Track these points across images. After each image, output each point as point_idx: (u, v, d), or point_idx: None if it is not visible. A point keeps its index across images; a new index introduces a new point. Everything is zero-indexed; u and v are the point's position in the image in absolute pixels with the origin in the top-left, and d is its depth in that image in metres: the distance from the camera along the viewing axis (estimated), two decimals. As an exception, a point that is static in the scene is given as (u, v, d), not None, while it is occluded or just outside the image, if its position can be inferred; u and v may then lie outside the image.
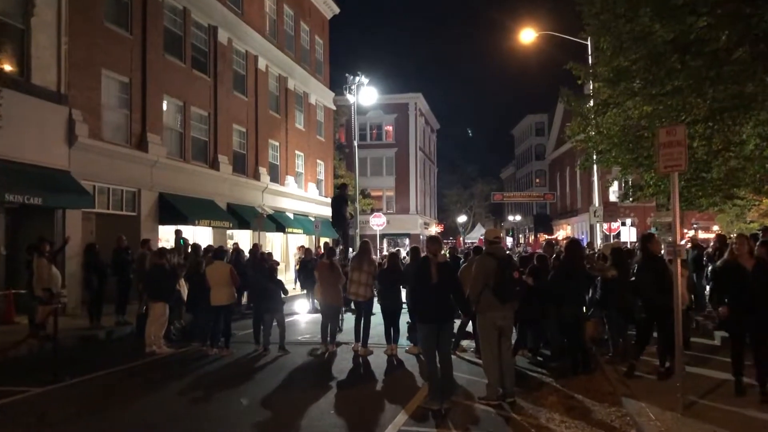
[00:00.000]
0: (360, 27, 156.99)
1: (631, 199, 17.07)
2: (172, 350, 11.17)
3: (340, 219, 14.42)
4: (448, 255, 17.09)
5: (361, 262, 10.85)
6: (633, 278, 9.25)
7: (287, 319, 16.36)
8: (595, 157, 14.59)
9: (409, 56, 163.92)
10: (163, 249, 11.95)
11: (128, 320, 13.81)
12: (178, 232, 18.70)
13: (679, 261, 6.91)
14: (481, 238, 61.22)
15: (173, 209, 20.19)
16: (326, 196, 35.78)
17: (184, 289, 12.50)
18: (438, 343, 7.25)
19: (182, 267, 12.95)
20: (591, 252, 13.07)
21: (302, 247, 23.93)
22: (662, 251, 9.77)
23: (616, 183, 40.58)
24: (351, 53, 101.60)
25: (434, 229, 65.05)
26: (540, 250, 16.03)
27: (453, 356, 10.57)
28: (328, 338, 11.12)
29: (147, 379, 9.22)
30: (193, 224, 20.67)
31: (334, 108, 38.15)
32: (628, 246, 18.71)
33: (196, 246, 17.90)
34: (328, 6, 36.82)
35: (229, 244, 24.93)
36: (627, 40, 11.03)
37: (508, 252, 20.14)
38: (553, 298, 9.62)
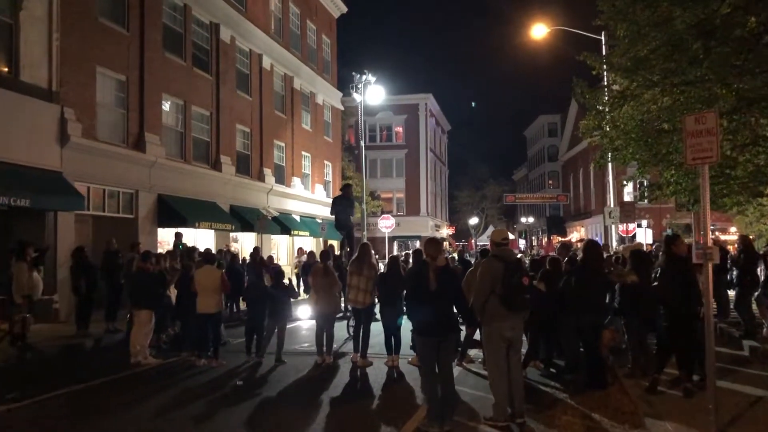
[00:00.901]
0: (369, 26, 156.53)
1: (647, 200, 16.22)
2: (158, 361, 10.46)
3: (345, 220, 13.68)
4: (456, 258, 16.32)
5: (360, 267, 10.08)
6: (655, 283, 8.45)
7: (289, 326, 15.70)
8: (610, 154, 13.74)
9: (419, 57, 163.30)
10: (148, 252, 11.25)
11: (118, 327, 13.16)
12: (177, 235, 18.10)
13: (710, 266, 6.10)
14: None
15: (172, 211, 19.56)
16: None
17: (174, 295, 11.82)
18: (438, 358, 6.48)
19: (174, 271, 12.27)
20: (608, 255, 12.22)
21: (301, 249, 23.18)
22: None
23: (631, 183, 39.73)
24: (360, 53, 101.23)
25: (446, 231, 64.23)
26: (553, 253, 15.23)
27: (459, 368, 9.85)
28: (324, 348, 10.36)
29: (126, 393, 8.51)
30: (194, 227, 20.02)
31: (342, 108, 37.47)
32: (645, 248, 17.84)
33: (190, 249, 17.30)
34: (335, 5, 36.16)
35: (233, 247, 24.37)
36: (645, 26, 10.23)
37: (518, 255, 19.13)
38: (570, 304, 8.84)
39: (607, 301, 9.81)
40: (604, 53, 16.32)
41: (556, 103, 72.30)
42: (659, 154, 12.12)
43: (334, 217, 14.36)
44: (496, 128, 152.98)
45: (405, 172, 54.07)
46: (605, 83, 12.86)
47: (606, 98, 12.39)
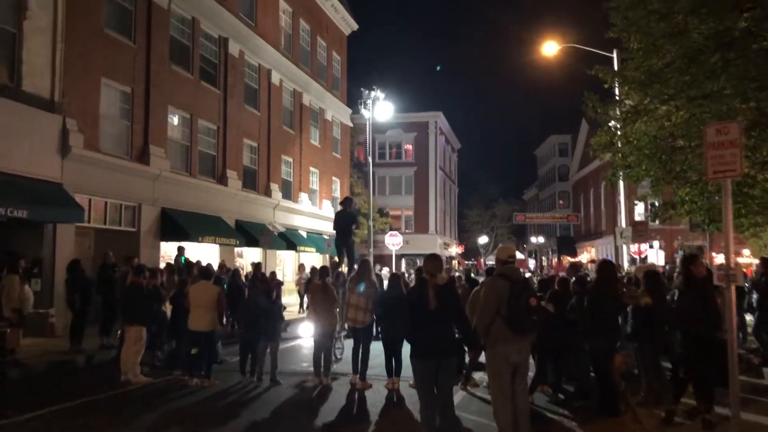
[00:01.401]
0: (380, 44, 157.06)
1: (657, 221, 15.75)
2: (149, 379, 10.04)
3: (345, 236, 13.28)
4: (463, 277, 15.83)
5: (359, 284, 9.67)
6: (672, 306, 7.98)
7: (290, 344, 15.28)
8: (622, 172, 13.30)
9: (429, 75, 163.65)
10: (141, 266, 10.86)
11: (113, 343, 12.75)
12: (180, 249, 17.79)
13: (734, 288, 5.65)
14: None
15: (176, 225, 19.25)
16: (341, 215, 34.74)
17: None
18: (437, 383, 6.04)
19: (171, 286, 11.91)
20: (619, 276, 11.73)
21: (303, 266, 22.74)
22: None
23: (642, 204, 39.13)
24: (370, 70, 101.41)
25: (455, 250, 63.70)
26: (563, 273, 14.76)
27: (462, 392, 9.39)
28: (322, 369, 9.92)
29: (110, 414, 8.09)
30: (197, 241, 19.70)
31: (351, 125, 37.27)
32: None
33: (191, 263, 16.95)
34: (346, 22, 36.08)
35: (238, 262, 24.04)
36: (660, 38, 9.85)
37: (527, 275, 18.48)
38: (581, 327, 8.39)
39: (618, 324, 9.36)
40: (616, 69, 15.95)
41: (567, 123, 71.94)
42: (673, 171, 11.68)
43: (335, 232, 13.97)
44: (506, 147, 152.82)
45: (414, 189, 53.75)
46: (618, 97, 12.42)
47: (618, 113, 11.96)
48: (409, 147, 54.65)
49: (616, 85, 12.06)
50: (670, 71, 9.75)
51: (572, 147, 69.26)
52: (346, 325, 11.28)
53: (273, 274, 20.29)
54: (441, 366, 6.06)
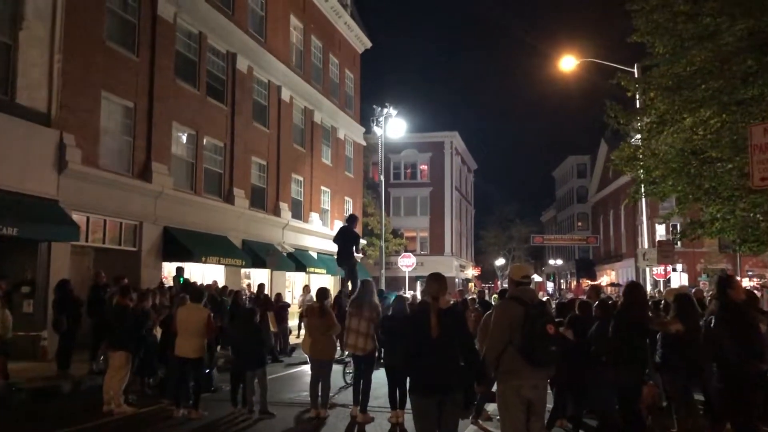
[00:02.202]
0: (394, 62, 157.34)
1: (679, 242, 14.82)
2: (133, 409, 9.27)
3: (347, 255, 12.50)
4: (477, 301, 14.96)
5: (360, 307, 8.85)
6: (707, 334, 7.09)
7: (294, 370, 14.46)
8: (643, 188, 12.40)
9: (445, 95, 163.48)
10: (127, 286, 10.13)
11: (104, 368, 12.00)
12: (178, 270, 17.14)
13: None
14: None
15: (178, 245, 18.58)
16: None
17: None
18: (439, 423, 5.21)
19: (163, 309, 11.18)
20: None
21: (307, 287, 21.91)
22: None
23: (663, 226, 37.96)
24: (384, 89, 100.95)
25: (471, 272, 62.64)
26: (583, 296, 13.86)
27: (473, 426, 8.52)
28: (319, 400, 9.08)
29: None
30: (200, 261, 19.01)
31: (365, 144, 36.65)
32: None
33: (189, 284, 16.29)
34: (359, 40, 35.65)
35: (245, 283, 23.33)
36: (688, 40, 9.05)
37: (545, 298, 17.44)
38: (605, 356, 7.52)
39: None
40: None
41: (586, 144, 71.00)
42: (702, 186, 10.79)
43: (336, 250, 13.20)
44: (523, 168, 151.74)
45: (429, 210, 52.97)
46: (642, 106, 11.55)
47: (643, 123, 11.11)
48: (425, 167, 53.97)
49: (639, 95, 11.22)
50: (700, 76, 8.93)
51: (591, 168, 68.21)
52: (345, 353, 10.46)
53: (279, 296, 19.64)
54: (444, 403, 5.23)
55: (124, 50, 17.35)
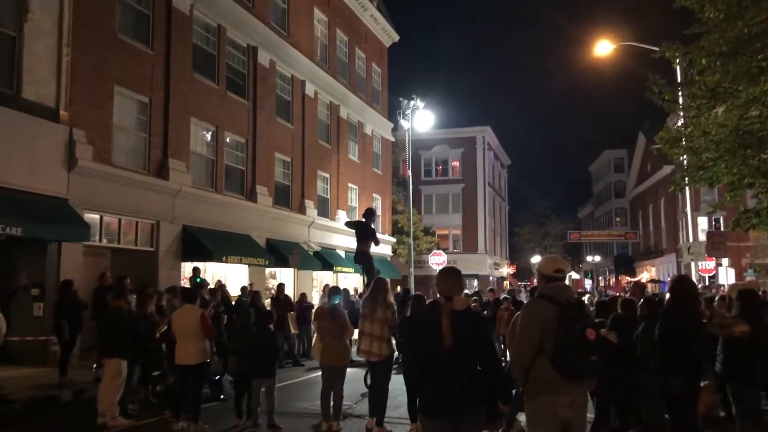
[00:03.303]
0: (423, 55, 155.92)
1: (738, 230, 13.54)
2: (129, 422, 8.53)
3: (364, 252, 11.60)
4: (510, 300, 13.86)
5: (373, 308, 7.93)
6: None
7: (311, 375, 13.61)
8: (692, 173, 11.19)
9: (477, 88, 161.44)
10: (123, 286, 9.36)
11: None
12: (195, 270, 16.47)
13: None
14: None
15: (198, 244, 17.93)
16: (383, 233, 33.17)
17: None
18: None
19: (171, 311, 10.41)
20: (706, 296, 9.63)
21: (328, 287, 21.02)
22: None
23: (705, 219, 36.21)
24: (414, 83, 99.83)
25: (506, 270, 61.26)
26: (624, 294, 12.76)
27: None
28: (331, 411, 8.20)
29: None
30: (221, 261, 18.34)
31: (393, 139, 35.73)
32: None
33: (206, 284, 15.63)
34: (386, 33, 34.73)
35: (271, 283, 22.65)
36: None
37: (585, 295, 16.01)
38: (652, 362, 6.49)
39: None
40: (678, 78, 13.85)
41: (622, 137, 68.90)
42: (761, 169, 9.61)
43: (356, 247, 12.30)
44: (559, 163, 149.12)
45: (462, 207, 51.79)
46: (691, 78, 10.30)
47: (691, 97, 9.93)
48: (456, 163, 52.82)
49: (686, 67, 10.02)
50: (760, 40, 7.78)
51: (629, 162, 66.20)
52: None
53: (303, 296, 18.81)
54: (460, 424, 4.30)
55: (138, 43, 16.74)
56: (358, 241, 11.73)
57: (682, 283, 6.71)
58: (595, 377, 4.68)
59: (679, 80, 10.50)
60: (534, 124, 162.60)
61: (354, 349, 9.41)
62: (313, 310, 11.34)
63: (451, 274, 4.63)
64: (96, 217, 15.24)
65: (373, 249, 31.05)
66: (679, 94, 10.12)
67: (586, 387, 4.72)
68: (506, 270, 61.31)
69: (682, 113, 10.12)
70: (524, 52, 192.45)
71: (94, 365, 9.52)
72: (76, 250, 14.46)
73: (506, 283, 56.25)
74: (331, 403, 8.18)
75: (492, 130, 53.98)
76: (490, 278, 50.41)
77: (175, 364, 8.24)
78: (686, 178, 11.37)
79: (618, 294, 14.26)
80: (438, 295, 4.57)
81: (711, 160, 10.00)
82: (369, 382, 10.25)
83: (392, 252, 35.31)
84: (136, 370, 9.43)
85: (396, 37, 35.69)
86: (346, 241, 28.08)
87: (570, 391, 4.48)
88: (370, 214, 11.97)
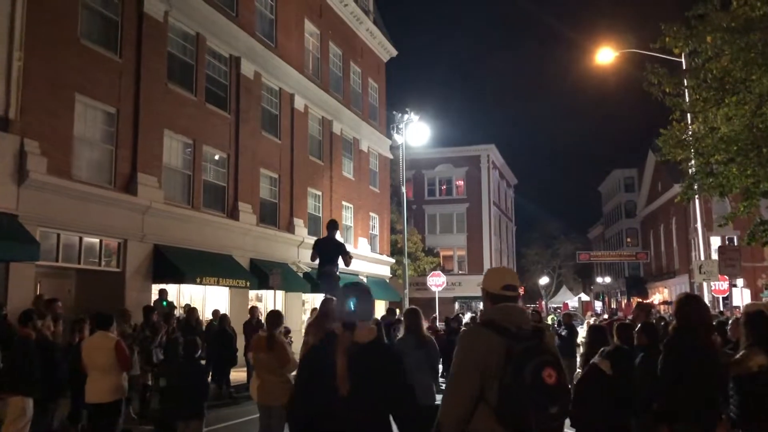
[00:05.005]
0: (423, 72, 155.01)
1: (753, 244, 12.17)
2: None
3: (329, 269, 10.36)
4: (557, 323, 12.58)
5: (317, 334, 6.63)
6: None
7: (246, 418, 12.15)
8: (695, 181, 9.86)
9: (481, 105, 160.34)
10: (29, 311, 8.07)
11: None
12: (162, 292, 15.27)
13: None
14: (566, 303, 54.57)
15: (170, 264, 16.71)
16: (381, 253, 31.90)
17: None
18: None
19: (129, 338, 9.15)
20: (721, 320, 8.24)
21: (315, 309, 19.73)
22: None
23: (718, 239, 34.69)
24: (414, 99, 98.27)
25: (513, 293, 59.64)
26: (631, 317, 11.41)
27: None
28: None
29: None
30: (194, 282, 17.12)
31: (391, 156, 34.54)
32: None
33: (173, 307, 14.50)
34: (384, 48, 33.75)
35: (256, 306, 21.38)
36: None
37: (591, 318, 14.79)
38: (655, 404, 5.17)
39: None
40: (684, 76, 12.54)
41: (632, 156, 67.44)
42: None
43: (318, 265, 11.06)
44: (567, 183, 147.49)
45: (466, 227, 50.45)
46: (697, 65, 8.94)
47: (697, 88, 8.61)
48: (461, 183, 51.59)
49: (690, 53, 8.70)
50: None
51: (639, 181, 64.72)
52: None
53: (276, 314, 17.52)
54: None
55: (104, 50, 15.68)
56: (325, 257, 10.45)
57: (690, 303, 5.34)
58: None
59: (684, 69, 9.09)
60: (541, 145, 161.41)
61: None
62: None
63: (354, 291, 3.34)
64: (53, 234, 14.07)
65: (370, 269, 29.85)
66: (684, 84, 8.77)
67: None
68: (514, 292, 59.69)
69: (685, 107, 8.83)
70: (528, 69, 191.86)
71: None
72: (27, 270, 13.25)
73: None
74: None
75: (497, 149, 52.78)
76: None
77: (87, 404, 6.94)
78: (695, 186, 10.03)
79: (625, 317, 12.80)
80: (334, 323, 3.28)
81: (721, 163, 8.68)
82: None
83: (392, 273, 33.96)
84: (59, 406, 8.15)
85: (394, 52, 34.74)
86: (340, 262, 26.76)
87: (522, 457, 3.16)
88: (333, 226, 10.72)
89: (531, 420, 3.11)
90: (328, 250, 10.34)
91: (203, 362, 7.59)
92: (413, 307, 7.54)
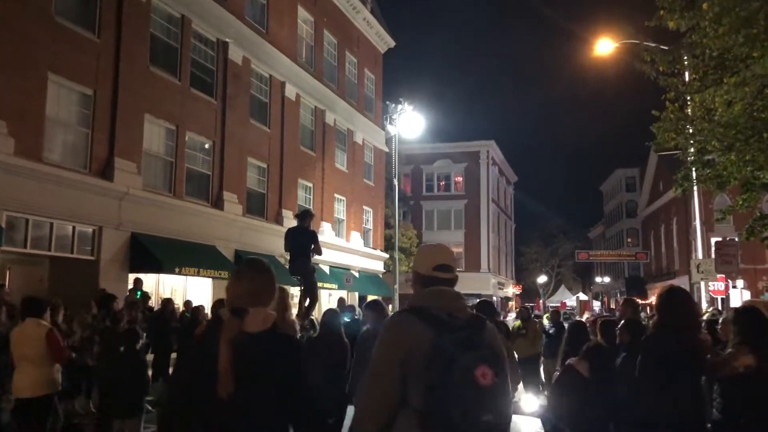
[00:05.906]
0: (423, 64, 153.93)
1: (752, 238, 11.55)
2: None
3: (302, 262, 9.77)
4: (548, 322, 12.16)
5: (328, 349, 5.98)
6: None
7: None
8: (691, 167, 9.25)
9: (482, 101, 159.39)
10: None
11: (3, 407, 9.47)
12: (137, 282, 14.68)
13: None
14: (564, 302, 54.09)
15: (147, 253, 16.12)
16: (374, 248, 31.29)
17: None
18: None
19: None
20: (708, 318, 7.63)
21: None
22: None
23: (719, 240, 34.06)
24: (412, 92, 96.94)
25: (512, 290, 59.11)
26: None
27: None
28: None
29: None
30: (173, 272, 16.55)
31: (387, 149, 33.90)
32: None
33: (147, 298, 13.95)
34: (381, 38, 33.10)
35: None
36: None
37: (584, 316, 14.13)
38: (641, 407, 4.57)
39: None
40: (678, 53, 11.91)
41: (634, 156, 66.73)
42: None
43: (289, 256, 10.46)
44: (568, 181, 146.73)
45: (464, 224, 49.86)
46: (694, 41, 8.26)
47: (694, 65, 7.98)
48: (459, 179, 50.98)
49: (687, 27, 8.02)
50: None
51: (640, 181, 64.03)
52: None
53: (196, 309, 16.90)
54: None
55: (81, 29, 15.07)
56: (296, 248, 9.85)
57: (672, 297, 4.73)
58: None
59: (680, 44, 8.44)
60: (542, 143, 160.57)
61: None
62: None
63: (252, 268, 2.74)
64: (21, 219, 13.49)
65: (363, 264, 29.25)
66: (683, 59, 8.09)
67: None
68: (512, 290, 59.12)
69: (681, 88, 8.20)
70: (531, 63, 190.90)
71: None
72: (-8, 256, 12.71)
73: (512, 303, 54.14)
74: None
75: (497, 145, 52.15)
76: (494, 298, 48.23)
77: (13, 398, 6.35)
78: (693, 175, 9.42)
79: (607, 316, 12.11)
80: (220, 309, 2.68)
81: (718, 150, 8.06)
82: None
83: (385, 269, 33.36)
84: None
85: (392, 44, 34.08)
86: (330, 256, 26.21)
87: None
88: (306, 215, 10.12)
89: (462, 428, 2.51)
90: (300, 240, 9.72)
91: (147, 355, 7.02)
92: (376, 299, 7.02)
